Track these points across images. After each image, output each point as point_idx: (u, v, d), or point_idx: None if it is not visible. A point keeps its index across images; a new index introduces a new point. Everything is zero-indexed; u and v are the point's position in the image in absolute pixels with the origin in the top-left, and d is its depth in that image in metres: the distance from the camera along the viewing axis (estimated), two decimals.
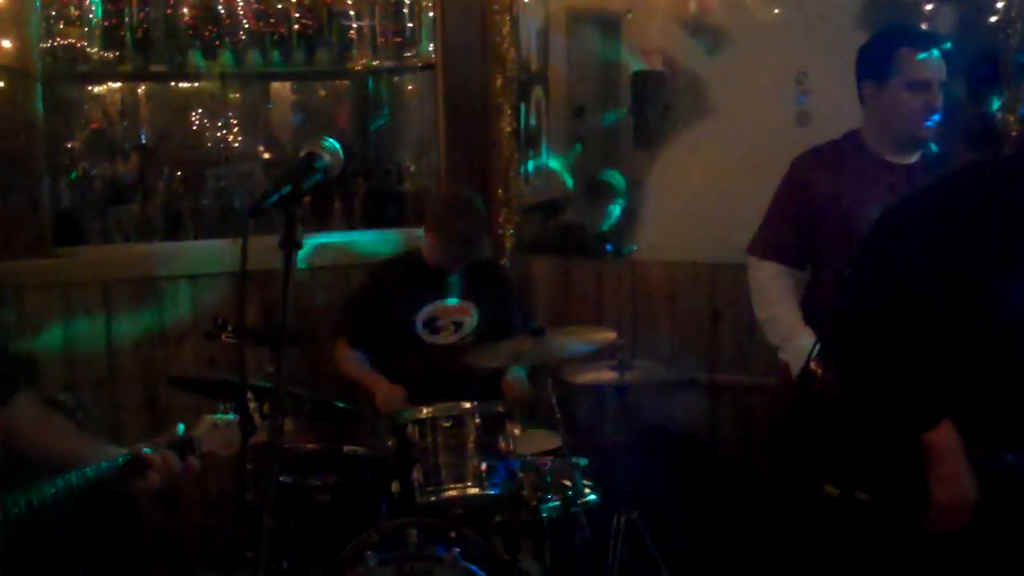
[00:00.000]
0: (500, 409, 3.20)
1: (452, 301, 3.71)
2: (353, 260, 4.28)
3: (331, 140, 1.79)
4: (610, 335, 3.33)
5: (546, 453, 3.35)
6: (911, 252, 2.24)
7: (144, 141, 5.02)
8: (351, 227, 4.75)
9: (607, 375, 3.34)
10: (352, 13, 4.79)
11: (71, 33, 4.39)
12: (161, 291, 4.04)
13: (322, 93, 5.52)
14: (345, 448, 3.30)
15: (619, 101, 4.47)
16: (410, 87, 5.15)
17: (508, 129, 4.43)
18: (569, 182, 4.64)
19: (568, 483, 3.14)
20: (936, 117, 2.96)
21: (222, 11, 4.63)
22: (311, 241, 3.86)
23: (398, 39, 4.78)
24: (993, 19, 3.58)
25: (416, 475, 3.08)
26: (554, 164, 4.65)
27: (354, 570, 2.83)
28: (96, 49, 4.45)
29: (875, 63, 2.98)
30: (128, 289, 4.00)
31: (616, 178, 4.48)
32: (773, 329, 3.12)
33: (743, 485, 3.91)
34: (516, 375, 3.61)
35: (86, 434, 2.41)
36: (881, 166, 3.02)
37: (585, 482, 3.16)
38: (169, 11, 4.57)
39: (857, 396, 2.36)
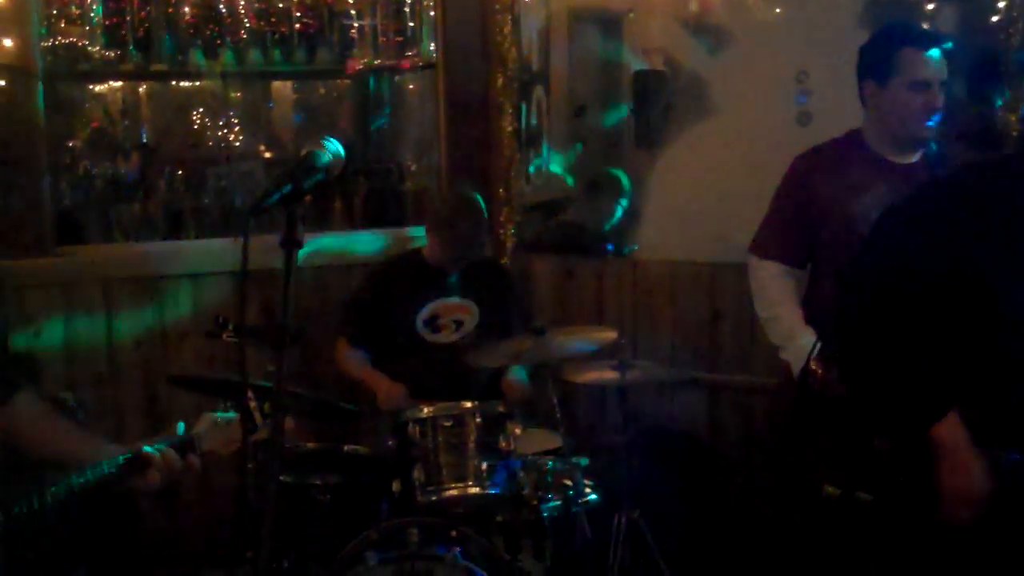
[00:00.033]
0: (501, 408, 3.20)
1: (453, 300, 3.71)
2: (353, 260, 4.28)
3: (332, 139, 1.79)
4: (611, 335, 3.33)
5: (547, 453, 3.35)
6: (912, 251, 2.24)
7: (145, 140, 5.01)
8: (352, 227, 4.74)
9: (608, 375, 3.34)
10: (353, 12, 4.80)
11: (72, 32, 4.38)
12: (162, 290, 4.04)
13: (323, 92, 5.52)
14: (346, 447, 3.30)
15: (620, 101, 4.46)
16: (411, 86, 5.15)
17: (509, 129, 4.43)
18: (570, 181, 4.64)
19: (569, 483, 3.15)
20: (937, 117, 2.97)
21: (223, 10, 4.63)
22: (312, 241, 3.86)
23: (399, 38, 4.78)
24: (994, 19, 3.58)
25: (417, 474, 3.08)
26: (555, 164, 4.65)
27: (354, 569, 2.83)
28: (97, 48, 4.44)
29: (876, 62, 2.98)
30: (129, 288, 4.00)
31: (622, 175, 4.48)
32: (774, 329, 3.12)
33: (743, 485, 3.91)
34: (517, 375, 3.61)
35: (87, 433, 2.40)
36: (882, 165, 3.02)
37: (586, 482, 3.17)
38: (170, 10, 4.56)
39: (860, 395, 2.36)
